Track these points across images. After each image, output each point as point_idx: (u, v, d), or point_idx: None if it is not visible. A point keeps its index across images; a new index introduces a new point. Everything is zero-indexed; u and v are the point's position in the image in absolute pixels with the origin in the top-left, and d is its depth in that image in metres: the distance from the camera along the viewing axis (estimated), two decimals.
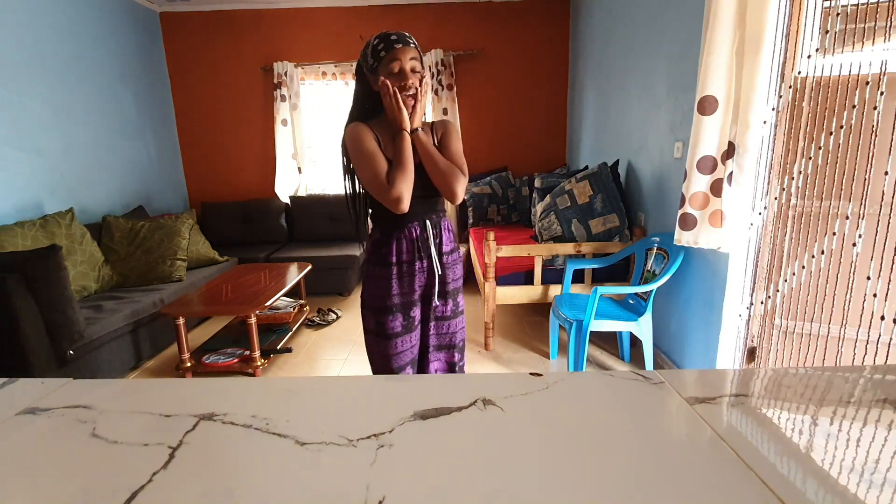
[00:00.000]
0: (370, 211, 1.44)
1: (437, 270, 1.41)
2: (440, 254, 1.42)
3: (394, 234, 1.38)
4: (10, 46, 2.75)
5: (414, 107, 1.30)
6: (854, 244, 1.50)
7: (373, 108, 1.38)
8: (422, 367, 1.53)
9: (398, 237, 1.38)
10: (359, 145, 1.30)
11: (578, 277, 2.74)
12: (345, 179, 1.45)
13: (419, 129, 1.31)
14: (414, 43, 1.29)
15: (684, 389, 0.69)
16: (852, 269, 1.50)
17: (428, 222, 1.39)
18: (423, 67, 1.32)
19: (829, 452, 0.56)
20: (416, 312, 1.44)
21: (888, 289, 1.38)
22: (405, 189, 1.27)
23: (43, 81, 2.97)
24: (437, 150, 1.36)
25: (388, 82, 1.26)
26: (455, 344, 1.53)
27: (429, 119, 4.15)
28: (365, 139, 1.31)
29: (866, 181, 1.45)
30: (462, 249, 4.04)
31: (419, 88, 1.29)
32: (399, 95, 1.27)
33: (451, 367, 1.56)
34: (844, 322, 1.54)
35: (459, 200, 1.33)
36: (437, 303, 1.45)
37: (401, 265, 1.39)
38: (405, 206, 1.28)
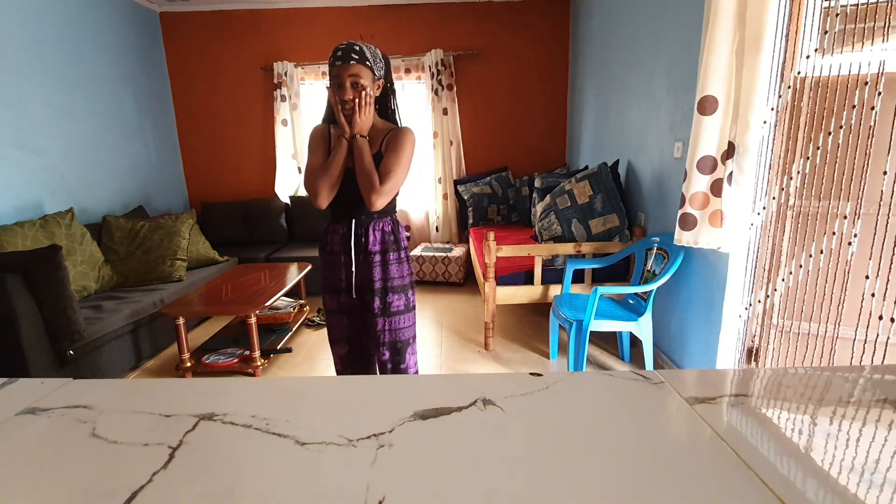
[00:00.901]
0: None
1: (352, 266, 1.53)
2: (366, 253, 1.51)
3: (330, 228, 1.56)
4: (10, 46, 2.75)
5: (352, 116, 1.41)
6: (850, 243, 1.50)
7: None
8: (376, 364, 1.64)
9: (331, 231, 1.56)
10: (309, 142, 1.51)
11: (578, 277, 2.74)
12: None
13: (358, 135, 1.42)
14: (356, 58, 1.37)
15: (684, 389, 0.69)
16: (847, 269, 1.50)
17: (354, 221, 1.51)
18: (372, 79, 1.42)
19: (829, 452, 0.56)
20: (344, 298, 1.59)
21: (886, 288, 1.38)
22: (321, 186, 1.42)
23: (43, 81, 2.97)
24: (377, 158, 1.46)
25: (331, 93, 1.44)
26: (383, 342, 1.56)
27: (427, 125, 4.21)
28: (313, 137, 1.51)
29: (863, 181, 1.45)
30: (459, 251, 4.07)
31: (356, 101, 1.40)
32: (339, 106, 1.41)
33: (381, 367, 1.58)
34: (838, 321, 1.54)
35: (374, 207, 1.42)
36: (367, 298, 1.55)
37: (330, 255, 1.56)
38: (320, 201, 1.44)
